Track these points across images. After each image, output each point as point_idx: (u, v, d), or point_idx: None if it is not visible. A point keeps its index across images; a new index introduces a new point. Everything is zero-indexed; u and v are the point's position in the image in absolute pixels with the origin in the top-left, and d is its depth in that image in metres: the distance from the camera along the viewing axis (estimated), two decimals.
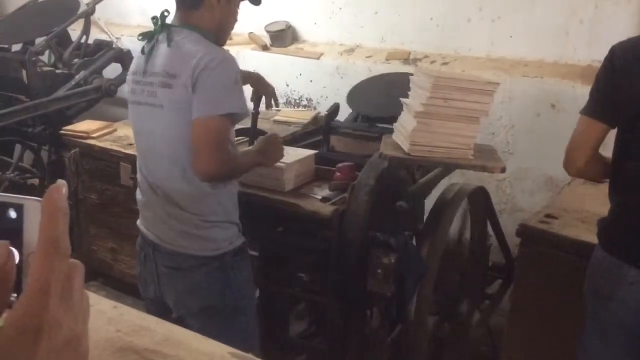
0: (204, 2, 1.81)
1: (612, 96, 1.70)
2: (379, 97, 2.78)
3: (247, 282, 1.94)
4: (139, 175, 1.96)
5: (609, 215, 1.80)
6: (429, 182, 2.44)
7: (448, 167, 2.34)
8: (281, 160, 2.21)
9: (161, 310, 1.95)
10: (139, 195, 1.97)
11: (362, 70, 3.43)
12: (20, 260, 0.47)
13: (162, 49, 1.81)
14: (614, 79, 1.69)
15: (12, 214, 0.48)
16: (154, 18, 1.88)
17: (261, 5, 2.02)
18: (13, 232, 0.48)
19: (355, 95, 2.86)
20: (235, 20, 1.93)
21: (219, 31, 1.88)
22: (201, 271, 1.84)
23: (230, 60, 1.77)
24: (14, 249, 0.47)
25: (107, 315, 0.77)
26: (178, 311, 1.92)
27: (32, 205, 0.48)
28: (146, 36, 1.88)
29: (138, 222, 1.99)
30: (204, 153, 1.70)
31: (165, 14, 1.86)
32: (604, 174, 1.82)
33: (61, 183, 0.47)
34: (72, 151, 3.36)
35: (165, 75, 1.76)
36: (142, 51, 1.86)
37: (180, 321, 1.91)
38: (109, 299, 0.86)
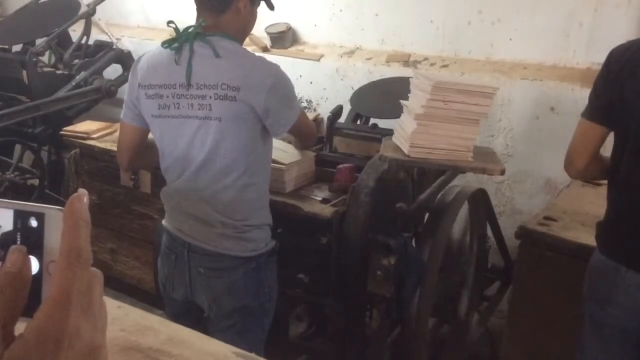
0: (232, 6, 1.79)
1: (608, 99, 1.71)
2: (382, 101, 2.79)
3: (275, 283, 1.95)
4: (168, 179, 1.93)
5: (607, 217, 1.81)
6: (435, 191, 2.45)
7: (448, 169, 2.35)
8: (281, 162, 2.23)
9: (189, 310, 1.95)
10: (167, 198, 1.95)
11: (362, 72, 3.44)
12: (40, 268, 0.47)
13: (208, 60, 1.73)
14: (608, 82, 1.71)
15: (33, 222, 0.48)
16: (170, 22, 1.82)
17: (261, 7, 2.01)
18: (34, 241, 0.48)
19: (358, 97, 2.88)
20: (254, 24, 1.94)
21: (243, 35, 1.88)
22: (239, 271, 1.84)
23: (278, 66, 1.82)
24: (33, 257, 0.47)
25: (112, 315, 0.77)
26: (211, 311, 1.91)
27: (54, 214, 0.48)
28: (172, 45, 1.79)
29: (164, 222, 1.97)
30: (310, 135, 2.13)
31: (203, 24, 1.79)
32: (605, 175, 1.84)
33: (82, 192, 0.47)
34: (72, 152, 3.36)
35: (227, 88, 1.71)
36: (175, 62, 1.76)
37: (209, 321, 1.93)
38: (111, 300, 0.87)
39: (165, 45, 1.81)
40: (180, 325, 0.77)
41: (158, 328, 0.75)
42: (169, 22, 1.83)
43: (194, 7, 1.86)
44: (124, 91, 3.61)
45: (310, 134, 2.11)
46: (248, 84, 1.71)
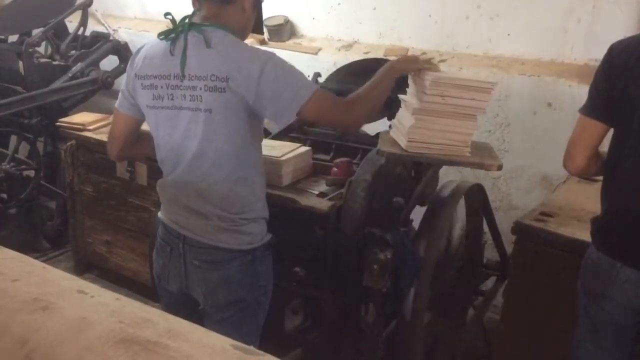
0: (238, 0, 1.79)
1: (609, 95, 1.70)
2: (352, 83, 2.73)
3: (271, 277, 1.95)
4: (164, 171, 1.92)
5: (603, 213, 1.81)
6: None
7: (445, 164, 2.35)
8: (278, 156, 2.22)
9: (184, 303, 1.95)
10: (163, 190, 1.94)
11: None
12: None
13: (200, 50, 1.72)
14: (610, 78, 1.70)
15: None
16: (167, 14, 1.81)
17: None
18: None
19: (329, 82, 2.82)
20: (251, 29, 1.93)
21: (243, 33, 1.86)
22: (234, 264, 1.84)
23: (274, 54, 1.76)
24: None
25: (110, 307, 0.77)
26: (206, 303, 1.90)
27: None
28: (168, 36, 1.77)
29: (160, 214, 1.96)
30: (335, 120, 1.89)
31: (198, 13, 1.78)
32: (603, 171, 1.84)
33: None
34: (68, 143, 3.36)
35: (215, 79, 1.69)
36: (171, 52, 1.75)
37: (203, 313, 1.92)
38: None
39: (161, 37, 1.80)
40: (178, 318, 0.77)
41: (156, 320, 0.75)
42: (166, 14, 1.82)
43: None
44: (120, 83, 3.61)
45: (333, 119, 1.89)
46: (237, 74, 1.69)
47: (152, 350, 0.69)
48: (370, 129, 2.58)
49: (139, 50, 1.88)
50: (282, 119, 1.76)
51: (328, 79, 2.79)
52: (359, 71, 2.69)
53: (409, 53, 3.37)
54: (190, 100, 1.74)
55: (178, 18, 1.80)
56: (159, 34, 1.81)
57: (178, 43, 1.76)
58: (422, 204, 2.45)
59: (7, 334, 0.72)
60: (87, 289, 0.83)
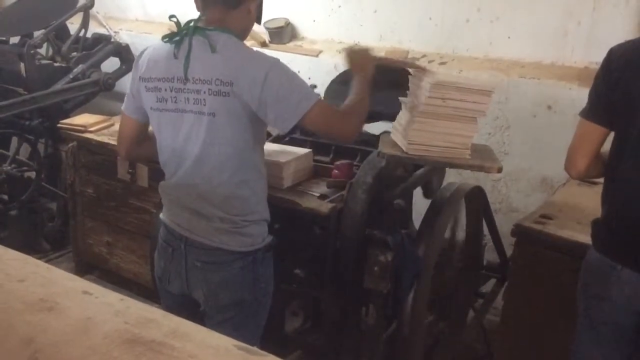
0: (244, 4, 1.79)
1: (609, 99, 1.71)
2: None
3: (271, 278, 1.96)
4: (166, 173, 1.94)
5: (603, 215, 1.82)
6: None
7: (445, 167, 2.36)
8: (279, 159, 2.23)
9: (184, 304, 1.95)
10: (165, 192, 1.95)
11: None
12: None
13: (205, 54, 1.73)
14: (610, 81, 1.71)
15: None
16: (172, 16, 1.82)
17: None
18: None
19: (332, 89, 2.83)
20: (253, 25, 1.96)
21: (245, 33, 1.89)
22: (236, 266, 1.85)
23: (278, 60, 1.78)
24: None
25: (115, 308, 0.78)
26: (207, 304, 1.91)
27: None
28: (172, 39, 1.79)
29: (162, 216, 1.97)
30: (334, 131, 1.88)
31: (203, 17, 1.80)
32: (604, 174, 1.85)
33: None
34: (70, 145, 3.36)
35: (220, 83, 1.71)
36: (175, 55, 1.77)
37: (204, 314, 1.93)
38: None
39: (165, 40, 1.81)
40: (182, 319, 0.78)
41: (161, 321, 0.75)
42: (171, 16, 1.83)
43: (191, 0, 1.86)
44: (121, 84, 3.62)
45: (332, 129, 1.87)
46: (241, 79, 1.70)
47: (156, 351, 0.69)
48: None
49: (142, 52, 1.89)
50: (284, 126, 1.78)
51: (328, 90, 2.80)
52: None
53: (410, 56, 3.38)
54: (194, 104, 1.75)
55: (180, 20, 1.81)
56: (163, 37, 1.82)
57: (182, 46, 1.77)
58: (426, 196, 2.46)
59: (13, 334, 0.73)
60: (91, 290, 0.83)
